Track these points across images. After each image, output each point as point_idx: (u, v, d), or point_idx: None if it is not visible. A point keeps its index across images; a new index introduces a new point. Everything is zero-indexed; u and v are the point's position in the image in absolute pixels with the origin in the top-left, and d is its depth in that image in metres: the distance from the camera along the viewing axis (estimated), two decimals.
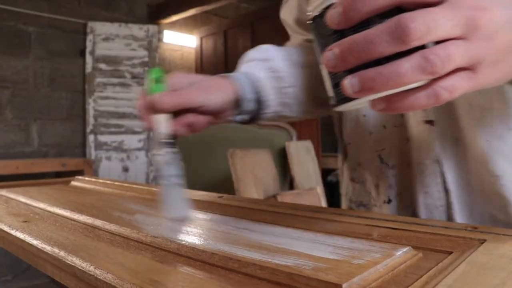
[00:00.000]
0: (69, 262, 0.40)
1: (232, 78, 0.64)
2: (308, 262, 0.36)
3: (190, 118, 0.58)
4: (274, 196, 2.30)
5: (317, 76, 0.61)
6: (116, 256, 0.40)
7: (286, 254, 0.38)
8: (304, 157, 2.77)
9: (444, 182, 0.56)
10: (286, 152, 2.76)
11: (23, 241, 0.49)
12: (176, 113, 0.57)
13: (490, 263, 0.35)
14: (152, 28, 4.02)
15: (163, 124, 0.56)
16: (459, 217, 0.56)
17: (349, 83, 0.32)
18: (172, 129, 0.56)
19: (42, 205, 0.70)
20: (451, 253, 0.42)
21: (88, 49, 3.84)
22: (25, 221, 0.57)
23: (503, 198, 0.52)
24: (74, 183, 1.06)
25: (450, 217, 0.57)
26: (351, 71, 0.33)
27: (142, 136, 3.97)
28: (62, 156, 3.70)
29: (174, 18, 4.19)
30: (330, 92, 0.37)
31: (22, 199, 0.78)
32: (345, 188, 0.71)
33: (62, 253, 0.42)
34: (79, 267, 0.38)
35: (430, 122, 0.56)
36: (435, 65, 0.30)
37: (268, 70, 0.68)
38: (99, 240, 0.48)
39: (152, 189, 0.83)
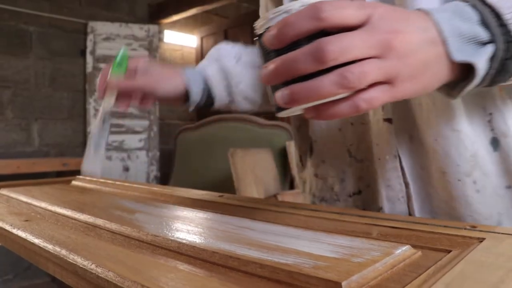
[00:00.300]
0: (70, 260, 0.40)
1: (184, 71, 0.79)
2: (307, 260, 0.36)
3: (135, 99, 0.75)
4: (275, 196, 2.30)
5: None
6: (117, 254, 0.40)
7: (286, 253, 0.39)
8: None
9: (403, 176, 0.60)
10: (287, 152, 2.77)
11: (24, 240, 0.49)
12: (126, 92, 0.73)
13: (488, 261, 0.36)
14: (153, 28, 4.02)
15: (110, 98, 0.73)
16: (418, 209, 0.60)
17: (280, 95, 0.38)
18: (115, 105, 0.73)
19: (43, 204, 0.70)
20: (450, 251, 0.42)
21: (88, 49, 3.84)
22: (27, 220, 0.57)
23: (449, 193, 0.55)
24: (75, 182, 1.07)
25: (410, 209, 0.61)
26: (284, 84, 0.38)
27: (143, 136, 3.97)
28: (63, 156, 3.70)
29: (175, 18, 4.19)
30: (272, 101, 0.42)
31: (23, 198, 0.78)
32: (309, 184, 0.76)
33: (63, 252, 0.42)
34: (81, 266, 0.38)
35: (388, 120, 0.59)
36: (350, 81, 0.35)
37: (218, 69, 0.82)
38: (100, 239, 0.49)
39: (153, 188, 0.83)
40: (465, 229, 0.47)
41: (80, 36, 3.84)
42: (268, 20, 0.41)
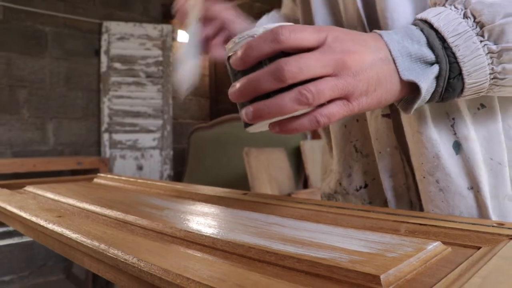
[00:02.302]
0: (110, 254, 0.41)
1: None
2: (343, 255, 0.37)
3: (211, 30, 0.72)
4: (289, 195, 2.31)
5: None
6: (156, 249, 0.41)
7: (321, 248, 0.40)
8: (318, 156, 2.78)
9: (404, 166, 0.63)
10: (301, 151, 2.77)
11: (61, 235, 0.51)
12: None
13: None
14: (166, 27, 4.04)
15: (196, 7, 0.67)
16: (414, 196, 0.63)
17: (245, 112, 0.43)
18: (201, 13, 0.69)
19: (71, 201, 0.72)
20: (479, 248, 0.43)
21: (103, 49, 3.87)
22: (59, 216, 0.58)
23: (419, 188, 0.59)
24: (97, 180, 1.09)
25: (410, 199, 0.64)
26: (249, 102, 0.43)
27: (157, 135, 3.99)
28: (77, 155, 3.74)
29: None
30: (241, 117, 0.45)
31: (50, 195, 0.80)
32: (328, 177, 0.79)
33: (102, 246, 0.43)
34: (122, 260, 0.39)
35: (387, 116, 0.63)
36: (307, 98, 0.40)
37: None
38: (134, 235, 0.50)
39: (176, 186, 0.85)
40: (492, 226, 0.47)
41: (95, 36, 3.87)
42: (235, 44, 0.45)
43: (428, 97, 0.46)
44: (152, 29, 3.98)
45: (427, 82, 0.44)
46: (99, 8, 3.89)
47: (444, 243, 0.43)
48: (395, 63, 0.44)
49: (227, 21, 0.72)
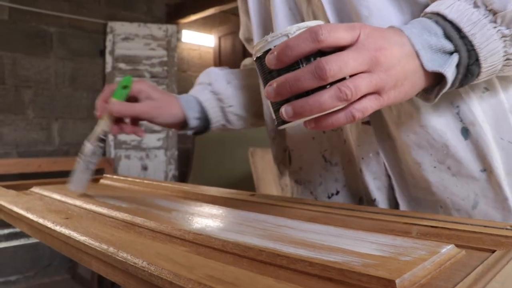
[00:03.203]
0: (120, 258, 0.41)
1: (180, 98, 0.84)
2: (355, 258, 0.37)
3: (127, 127, 0.78)
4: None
5: (254, 95, 0.87)
6: (166, 252, 0.41)
7: (333, 251, 0.39)
8: None
9: (385, 169, 0.66)
10: None
11: (68, 237, 0.50)
12: (121, 118, 0.77)
13: None
14: (171, 27, 4.05)
15: (107, 122, 0.75)
16: (398, 196, 0.65)
17: (284, 110, 0.44)
18: (110, 129, 0.75)
19: (77, 203, 0.71)
20: (494, 251, 0.42)
21: (108, 49, 3.88)
22: (67, 218, 0.58)
23: (426, 180, 0.60)
24: (103, 181, 1.08)
25: (393, 198, 0.67)
26: (286, 100, 0.44)
27: (161, 135, 4.00)
28: None
29: (193, 17, 4.21)
30: (273, 115, 0.48)
31: (57, 196, 0.79)
32: (290, 189, 0.84)
33: (111, 249, 0.43)
34: (131, 263, 0.39)
35: (367, 123, 0.66)
36: (347, 94, 0.41)
37: (211, 93, 0.87)
38: (142, 237, 0.50)
39: (183, 187, 0.84)
40: (506, 229, 0.47)
41: (100, 36, 3.88)
42: (267, 43, 0.46)
43: (449, 86, 0.48)
44: (156, 29, 3.98)
45: (450, 70, 0.46)
46: (104, 8, 3.89)
47: (457, 246, 0.42)
48: (418, 56, 0.46)
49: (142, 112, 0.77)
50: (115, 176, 1.10)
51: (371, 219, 0.54)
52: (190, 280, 0.33)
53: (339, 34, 0.43)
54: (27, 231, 0.65)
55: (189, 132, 0.87)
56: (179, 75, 4.19)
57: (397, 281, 0.31)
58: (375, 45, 0.44)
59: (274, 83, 0.44)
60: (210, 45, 4.74)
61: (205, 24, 4.63)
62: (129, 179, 1.03)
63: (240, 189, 0.90)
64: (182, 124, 0.85)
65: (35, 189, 0.90)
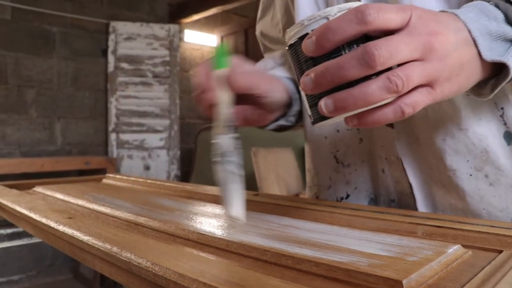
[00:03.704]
0: (123, 258, 0.40)
1: (280, 77, 0.66)
2: (361, 258, 0.36)
3: (247, 111, 0.58)
4: (297, 195, 2.30)
5: None
6: (170, 252, 0.40)
7: (338, 251, 0.39)
8: None
9: (406, 176, 0.61)
10: None
11: (71, 237, 0.50)
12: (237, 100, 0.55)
13: None
14: (173, 27, 4.05)
15: (227, 106, 0.52)
16: (422, 206, 0.60)
17: (324, 104, 0.37)
18: (232, 115, 0.53)
19: (80, 202, 0.71)
20: (501, 251, 0.41)
21: (110, 49, 3.88)
22: (70, 218, 0.58)
23: (460, 189, 0.56)
24: (105, 180, 1.08)
25: (412, 205, 0.62)
26: (326, 93, 0.38)
27: (164, 135, 4.00)
28: (84, 154, 3.75)
29: (195, 17, 4.21)
30: (308, 111, 0.41)
31: (60, 196, 0.79)
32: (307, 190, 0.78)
33: (115, 249, 0.42)
34: (135, 263, 0.39)
35: (390, 125, 0.60)
36: (397, 85, 0.35)
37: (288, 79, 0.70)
38: (145, 237, 0.49)
39: (186, 187, 0.84)
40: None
41: (102, 36, 3.88)
42: (304, 26, 0.40)
43: (510, 78, 0.42)
44: (159, 29, 3.98)
45: None
46: (106, 8, 3.89)
47: (463, 246, 0.42)
48: (476, 44, 0.40)
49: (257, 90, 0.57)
50: (117, 176, 1.10)
51: (376, 219, 0.54)
52: (195, 281, 0.32)
53: (389, 16, 0.37)
54: (30, 230, 0.65)
55: (289, 120, 0.69)
56: (182, 75, 4.19)
57: (404, 281, 0.31)
58: (429, 29, 0.38)
59: (311, 72, 0.38)
60: (213, 45, 4.74)
61: (208, 24, 4.63)
62: (132, 178, 1.02)
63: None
64: (282, 109, 0.65)
65: (38, 189, 0.90)
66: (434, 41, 0.37)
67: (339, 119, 0.40)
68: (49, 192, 0.84)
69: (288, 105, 0.66)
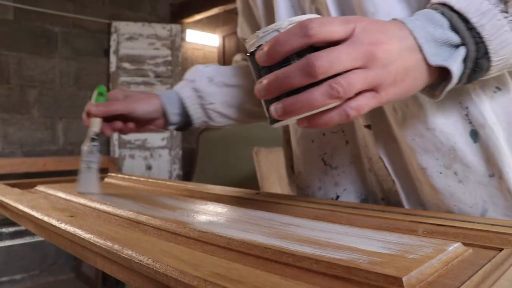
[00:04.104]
0: (124, 255, 0.41)
1: (160, 95, 0.85)
2: (362, 256, 0.36)
3: (118, 124, 0.82)
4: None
5: (242, 93, 0.88)
6: (171, 249, 0.41)
7: (339, 249, 0.39)
8: None
9: (389, 174, 0.63)
10: None
11: (73, 235, 0.50)
12: (109, 119, 0.80)
13: None
14: (175, 27, 4.05)
15: (95, 124, 0.79)
16: (406, 202, 0.63)
17: (274, 109, 0.42)
18: (100, 129, 0.79)
19: (82, 201, 0.71)
20: (501, 249, 0.41)
21: (112, 49, 3.88)
22: (72, 216, 0.58)
23: (432, 186, 0.58)
24: (107, 179, 1.08)
25: (400, 202, 0.64)
26: (278, 98, 0.42)
27: (166, 135, 4.00)
28: None
29: (197, 17, 4.21)
30: (266, 113, 0.45)
31: (62, 195, 0.79)
32: (292, 192, 0.83)
33: (116, 247, 0.43)
34: (136, 261, 0.39)
35: (368, 127, 0.64)
36: (339, 92, 0.39)
37: (192, 90, 0.88)
38: (147, 235, 0.49)
39: (188, 186, 0.84)
40: None
41: (104, 36, 3.89)
42: (258, 38, 0.44)
43: (457, 80, 0.45)
44: (161, 29, 3.98)
45: (456, 65, 0.43)
46: (108, 8, 3.90)
47: (464, 244, 0.42)
48: (421, 50, 0.43)
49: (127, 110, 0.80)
50: (119, 175, 1.10)
51: (377, 217, 0.54)
52: (196, 277, 0.33)
53: (331, 28, 0.40)
54: (32, 229, 0.65)
55: (171, 128, 0.88)
56: (183, 74, 4.19)
57: (404, 278, 0.31)
58: (372, 39, 0.41)
59: (263, 80, 0.42)
60: (214, 45, 4.74)
61: (209, 24, 4.63)
62: (134, 177, 1.03)
63: (245, 188, 0.90)
64: (163, 120, 0.86)
65: (40, 188, 0.90)
66: (376, 50, 0.41)
67: (292, 120, 0.45)
68: (51, 191, 0.85)
69: (165, 114, 0.85)
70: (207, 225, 0.51)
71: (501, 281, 0.31)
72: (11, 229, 2.82)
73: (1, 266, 2.97)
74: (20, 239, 2.90)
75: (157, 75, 3.97)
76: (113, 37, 3.87)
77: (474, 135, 0.54)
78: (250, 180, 2.58)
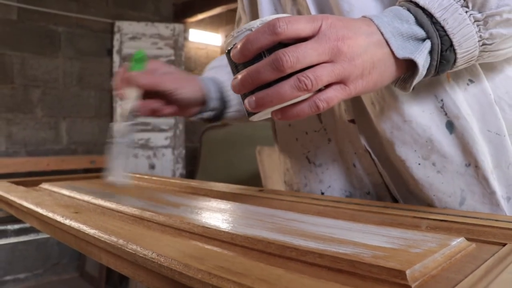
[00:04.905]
0: (129, 250, 0.41)
1: (200, 78, 0.80)
2: (365, 250, 0.37)
3: (154, 104, 0.71)
4: None
5: None
6: (175, 244, 0.41)
7: (342, 243, 0.39)
8: None
9: (375, 166, 0.65)
10: None
11: (78, 230, 0.51)
12: (146, 96, 0.69)
13: None
14: (178, 27, 4.05)
15: (132, 99, 0.67)
16: (397, 193, 0.64)
17: (247, 102, 0.45)
18: (137, 106, 0.68)
19: (86, 198, 0.72)
20: (505, 244, 0.42)
21: (115, 48, 3.88)
22: (76, 212, 0.58)
23: (412, 177, 0.59)
24: (111, 178, 1.08)
25: (391, 194, 0.66)
26: (250, 92, 0.45)
27: (169, 134, 4.00)
28: (90, 153, 3.76)
29: (200, 16, 4.21)
30: (243, 107, 0.47)
31: (66, 192, 0.80)
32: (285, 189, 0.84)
33: (121, 242, 0.43)
34: (141, 255, 0.39)
35: (352, 121, 0.65)
36: (306, 84, 0.42)
37: (228, 74, 0.82)
38: (151, 231, 0.50)
39: (191, 183, 0.84)
40: None
41: (107, 36, 3.89)
42: (233, 38, 0.47)
43: (424, 72, 0.47)
44: (164, 29, 3.99)
45: (422, 57, 0.45)
46: (111, 8, 3.91)
47: (467, 239, 0.42)
48: (388, 45, 0.46)
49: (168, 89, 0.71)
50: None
51: (380, 213, 0.54)
52: (200, 271, 0.33)
53: (298, 26, 0.43)
54: (37, 226, 0.66)
55: (205, 115, 0.80)
56: None
57: (407, 272, 0.31)
58: (338, 35, 0.43)
59: (238, 76, 0.45)
60: (217, 44, 4.74)
61: (212, 23, 4.64)
62: (137, 175, 1.03)
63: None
64: (200, 105, 0.78)
65: (44, 185, 0.90)
66: (342, 45, 0.43)
67: (267, 114, 0.47)
68: (55, 189, 0.85)
69: (204, 102, 0.78)
70: (210, 220, 0.51)
71: (504, 274, 0.31)
72: (16, 226, 2.83)
73: (5, 265, 2.98)
74: (25, 236, 2.90)
75: None
76: (116, 36, 3.88)
77: (450, 126, 0.56)
78: (253, 179, 2.58)
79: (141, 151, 3.93)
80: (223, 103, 0.82)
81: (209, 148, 3.58)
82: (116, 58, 3.87)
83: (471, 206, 0.56)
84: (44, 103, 3.55)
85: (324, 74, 0.42)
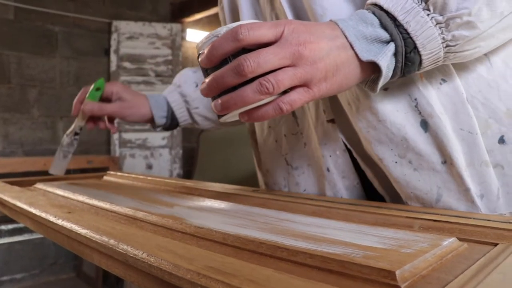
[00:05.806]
0: (120, 250, 0.41)
1: (150, 98, 0.95)
2: (356, 250, 0.37)
3: (102, 124, 0.95)
4: None
5: None
6: (166, 244, 0.41)
7: (333, 243, 0.39)
8: None
9: (355, 166, 0.66)
10: None
11: (70, 230, 0.50)
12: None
13: None
14: (176, 26, 4.05)
15: (82, 119, 0.90)
16: (381, 190, 0.65)
17: (214, 105, 0.48)
18: (84, 124, 0.92)
19: (80, 198, 0.72)
20: (496, 244, 0.42)
21: (112, 48, 3.88)
22: (69, 212, 0.58)
23: (390, 175, 0.60)
24: (107, 177, 1.09)
25: (362, 197, 0.68)
26: (217, 96, 0.47)
27: (166, 134, 4.00)
28: (87, 154, 3.75)
29: (197, 16, 4.21)
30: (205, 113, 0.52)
31: (60, 192, 0.79)
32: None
33: (112, 242, 0.43)
34: (131, 255, 0.39)
35: (332, 121, 0.66)
36: (267, 88, 0.44)
37: (179, 94, 0.97)
38: (144, 231, 0.49)
39: (186, 183, 0.84)
40: (509, 222, 0.46)
41: (104, 36, 3.89)
42: (202, 44, 0.49)
43: (390, 74, 0.49)
44: (161, 28, 3.98)
45: (385, 59, 0.47)
46: (109, 7, 3.90)
47: (459, 239, 0.42)
48: (352, 48, 0.47)
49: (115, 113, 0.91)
50: (118, 173, 1.10)
51: (374, 213, 0.54)
52: (189, 271, 0.33)
53: (260, 32, 0.45)
54: (30, 225, 0.66)
55: (157, 129, 0.97)
56: None
57: (397, 272, 0.31)
58: (299, 40, 0.45)
59: (205, 80, 0.47)
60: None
61: (210, 23, 4.63)
62: (133, 175, 1.03)
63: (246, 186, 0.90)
64: (150, 122, 0.96)
65: (39, 185, 0.90)
66: (303, 49, 0.45)
67: (234, 116, 0.49)
68: (49, 189, 0.85)
69: (152, 119, 0.95)
70: (203, 220, 0.51)
71: (494, 274, 0.31)
72: (10, 227, 2.82)
73: (2, 266, 2.97)
74: (19, 236, 2.89)
75: (158, 75, 3.97)
76: (114, 36, 3.87)
77: (424, 124, 0.57)
78: (250, 179, 2.58)
79: (138, 151, 3.92)
80: (173, 119, 0.97)
81: (207, 148, 3.57)
82: (113, 57, 3.87)
83: (447, 203, 0.57)
84: (41, 103, 3.54)
85: (285, 78, 0.44)
